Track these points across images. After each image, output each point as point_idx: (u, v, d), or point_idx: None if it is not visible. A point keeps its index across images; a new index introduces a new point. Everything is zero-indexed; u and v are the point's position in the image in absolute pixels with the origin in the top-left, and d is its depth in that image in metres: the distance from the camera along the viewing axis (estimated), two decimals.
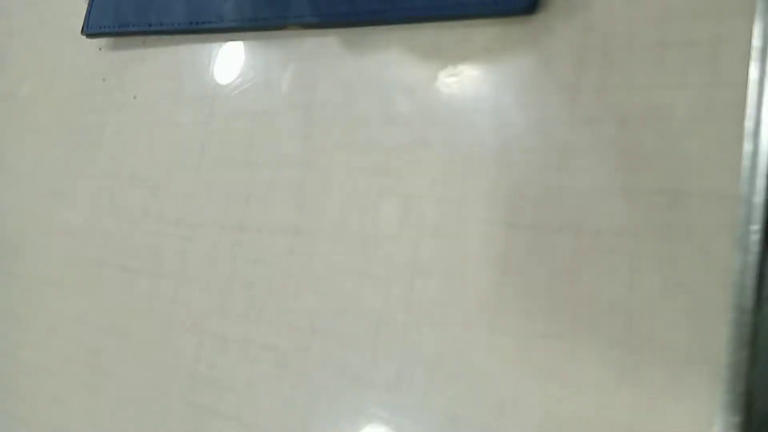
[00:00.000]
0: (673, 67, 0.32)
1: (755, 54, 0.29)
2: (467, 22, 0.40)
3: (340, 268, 0.41)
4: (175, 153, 0.54)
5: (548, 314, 0.33)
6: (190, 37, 0.56)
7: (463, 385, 0.35)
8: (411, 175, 0.40)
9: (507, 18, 0.38)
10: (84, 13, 0.65)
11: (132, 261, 0.53)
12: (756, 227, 0.28)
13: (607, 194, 0.33)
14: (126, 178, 0.58)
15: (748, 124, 0.29)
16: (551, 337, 0.33)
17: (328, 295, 0.41)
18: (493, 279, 0.35)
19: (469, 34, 0.39)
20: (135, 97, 0.60)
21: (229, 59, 0.53)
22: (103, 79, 0.64)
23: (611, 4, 0.35)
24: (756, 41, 0.29)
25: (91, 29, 0.63)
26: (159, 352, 0.49)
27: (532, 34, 0.37)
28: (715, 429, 0.27)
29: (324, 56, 0.47)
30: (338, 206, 0.43)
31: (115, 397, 0.51)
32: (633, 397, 0.30)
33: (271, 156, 0.48)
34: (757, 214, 0.27)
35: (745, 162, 0.28)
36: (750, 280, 0.27)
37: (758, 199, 0.27)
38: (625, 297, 0.31)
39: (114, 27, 0.61)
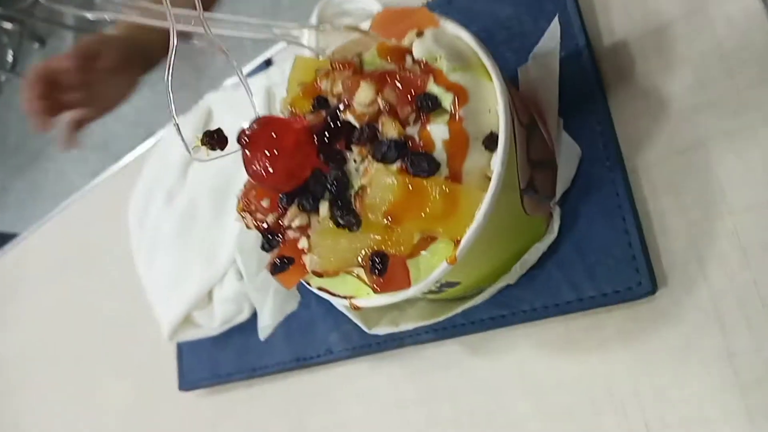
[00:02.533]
0: None
1: None
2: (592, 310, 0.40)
3: None
4: None
5: None
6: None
7: None
8: None
9: (631, 301, 0.38)
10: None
11: None
12: None
13: None
14: None
15: None
16: None
17: None
18: None
19: (598, 321, 0.40)
20: None
21: (345, 385, 0.52)
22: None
23: (727, 268, 0.36)
24: None
25: (187, 385, 0.62)
26: None
27: (662, 310, 0.38)
28: None
29: (450, 365, 0.46)
30: None
31: None
32: None
33: None
34: None
35: None
36: None
37: None
38: None
39: (214, 378, 0.60)
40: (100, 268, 0.81)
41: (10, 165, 3.31)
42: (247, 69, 0.65)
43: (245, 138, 0.36)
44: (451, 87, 0.35)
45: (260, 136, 0.36)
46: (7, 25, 3.27)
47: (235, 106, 0.58)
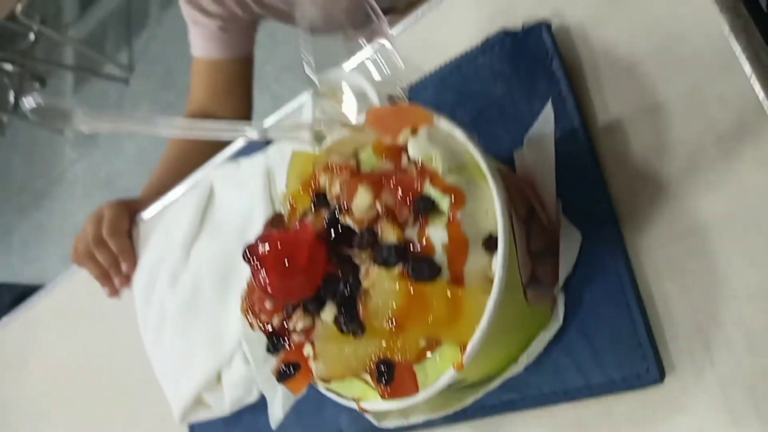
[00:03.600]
0: None
1: None
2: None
3: None
4: None
5: None
6: None
7: None
8: None
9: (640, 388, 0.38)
10: None
11: None
12: None
13: None
14: None
15: None
16: None
17: None
18: None
19: (608, 408, 0.40)
20: None
21: None
22: None
23: (734, 355, 0.36)
24: None
25: None
26: None
27: (671, 397, 0.38)
28: None
29: None
30: None
31: None
32: None
33: None
34: None
35: None
36: None
37: None
38: None
39: None
40: (111, 337, 0.81)
41: (15, 206, 3.33)
42: (243, 141, 0.65)
43: (254, 257, 0.36)
44: (447, 189, 0.35)
45: (270, 257, 0.36)
46: (8, 67, 3.30)
47: (236, 183, 0.58)
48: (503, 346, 0.38)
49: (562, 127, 0.43)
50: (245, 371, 0.53)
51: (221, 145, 0.80)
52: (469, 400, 0.40)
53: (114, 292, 0.78)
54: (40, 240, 3.07)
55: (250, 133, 0.41)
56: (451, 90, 0.49)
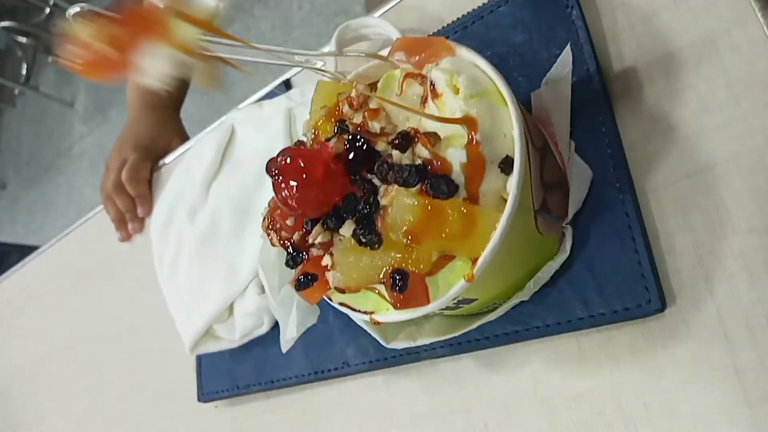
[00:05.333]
0: None
1: None
2: (603, 327, 0.41)
3: None
4: None
5: None
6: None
7: None
8: None
9: (641, 318, 0.40)
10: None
11: None
12: None
13: None
14: None
15: None
16: None
17: None
18: None
19: (609, 337, 0.42)
20: None
21: (361, 397, 0.54)
22: None
23: (733, 288, 0.38)
24: None
25: (206, 396, 0.63)
26: None
27: (671, 327, 0.39)
28: None
29: (465, 379, 0.48)
30: None
31: None
32: None
33: None
34: None
35: None
36: None
37: None
38: None
39: (233, 390, 0.61)
40: (120, 280, 0.83)
41: (23, 177, 3.35)
42: (266, 90, 0.67)
43: (275, 169, 0.38)
44: (460, 120, 0.36)
45: (290, 168, 0.38)
46: (22, 39, 3.33)
47: (257, 123, 0.60)
48: (512, 269, 0.40)
49: (578, 72, 0.44)
50: (258, 301, 0.54)
51: None
52: (475, 324, 0.42)
53: (126, 237, 0.80)
54: (46, 210, 3.09)
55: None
56: (473, 38, 0.50)
